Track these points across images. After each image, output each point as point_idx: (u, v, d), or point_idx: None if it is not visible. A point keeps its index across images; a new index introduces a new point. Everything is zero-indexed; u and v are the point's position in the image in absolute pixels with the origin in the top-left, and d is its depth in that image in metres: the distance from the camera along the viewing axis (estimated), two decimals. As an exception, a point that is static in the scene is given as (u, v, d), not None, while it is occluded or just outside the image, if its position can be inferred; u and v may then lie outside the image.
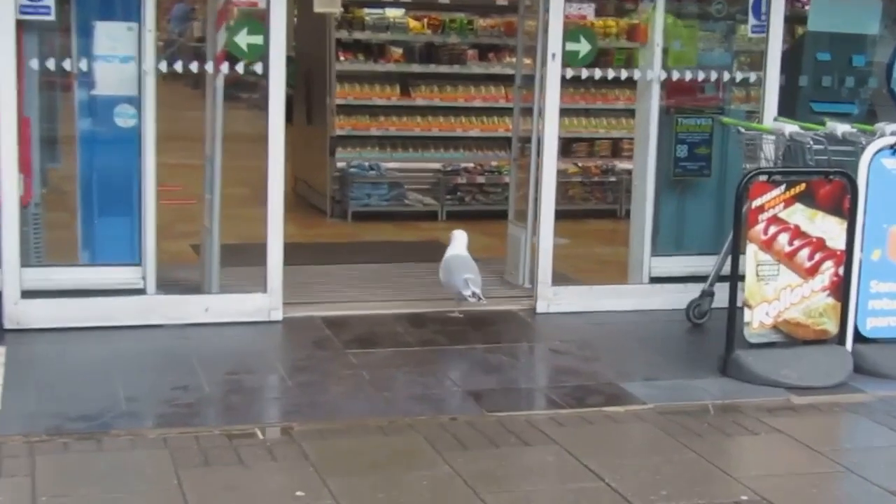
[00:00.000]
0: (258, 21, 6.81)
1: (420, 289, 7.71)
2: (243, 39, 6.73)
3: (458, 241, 7.42)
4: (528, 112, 8.02)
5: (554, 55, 7.26)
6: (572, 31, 7.41)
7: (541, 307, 7.40)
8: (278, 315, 6.97)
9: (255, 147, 7.03)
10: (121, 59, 6.71)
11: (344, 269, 8.44)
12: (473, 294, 7.08)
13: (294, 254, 7.53)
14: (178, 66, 6.74)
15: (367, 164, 10.78)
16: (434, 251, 7.97)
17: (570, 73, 7.37)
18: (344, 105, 10.82)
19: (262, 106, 6.87)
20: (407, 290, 7.77)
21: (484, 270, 8.22)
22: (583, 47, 7.35)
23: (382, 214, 10.63)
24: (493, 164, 11.08)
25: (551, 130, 7.38)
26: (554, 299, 7.42)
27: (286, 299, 7.05)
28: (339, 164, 10.78)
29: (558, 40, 7.25)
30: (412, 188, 10.88)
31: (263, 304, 6.94)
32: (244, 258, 7.20)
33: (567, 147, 11.14)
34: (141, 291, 6.81)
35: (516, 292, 7.80)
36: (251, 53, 6.75)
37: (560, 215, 7.46)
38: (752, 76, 7.83)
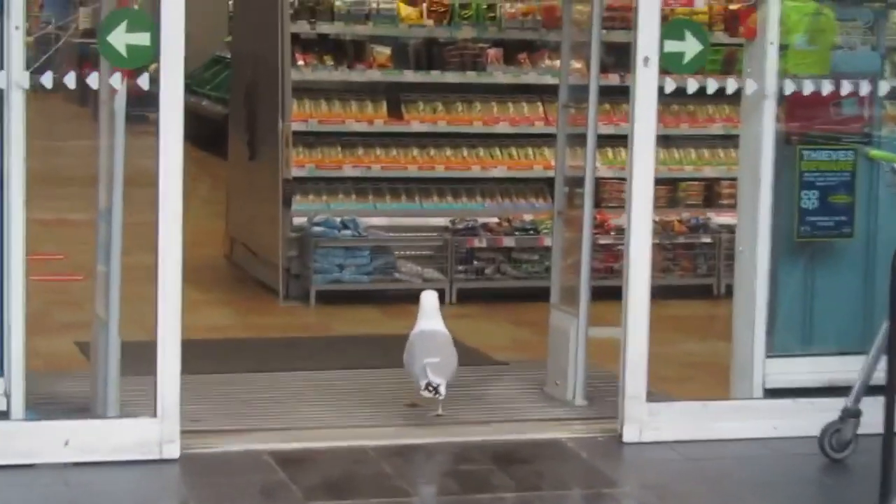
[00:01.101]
0: (143, 13, 6.79)
1: (418, 408, 7.68)
2: (119, 39, 6.73)
3: (427, 310, 7.65)
4: (578, 140, 8.01)
5: (647, 59, 7.28)
6: (673, 23, 7.46)
7: (629, 434, 7.33)
8: (174, 450, 6.83)
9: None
10: (-28, 67, 6.75)
11: (304, 378, 8.39)
12: (429, 386, 7.30)
13: (228, 355, 7.49)
14: (50, 80, 6.71)
15: (338, 219, 10.78)
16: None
17: (669, 84, 7.44)
18: (304, 132, 10.84)
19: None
20: (398, 411, 7.73)
21: (514, 378, 8.19)
22: (689, 47, 7.39)
23: (362, 295, 10.62)
24: (527, 218, 11.10)
25: (644, 171, 7.35)
26: (650, 422, 7.38)
27: (216, 425, 7.04)
28: (298, 220, 10.76)
29: (654, 36, 7.27)
30: (406, 255, 10.88)
31: (151, 434, 6.82)
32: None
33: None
34: (3, 415, 6.78)
35: (564, 412, 7.79)
36: (133, 58, 6.75)
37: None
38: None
